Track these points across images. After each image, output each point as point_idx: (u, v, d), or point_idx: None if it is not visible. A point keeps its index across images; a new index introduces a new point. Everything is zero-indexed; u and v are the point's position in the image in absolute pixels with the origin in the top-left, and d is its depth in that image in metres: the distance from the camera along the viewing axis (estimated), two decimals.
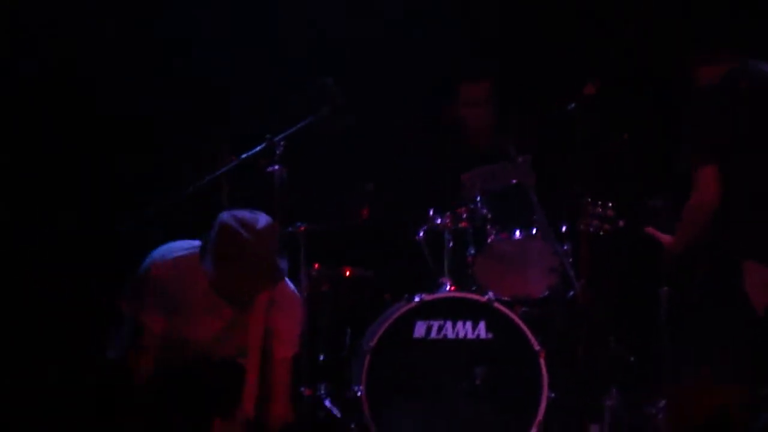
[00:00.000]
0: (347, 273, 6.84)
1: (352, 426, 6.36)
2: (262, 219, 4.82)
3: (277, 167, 6.06)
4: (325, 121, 6.05)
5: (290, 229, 6.39)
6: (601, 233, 6.07)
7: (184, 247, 4.97)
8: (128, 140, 6.94)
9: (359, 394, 6.24)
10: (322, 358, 6.72)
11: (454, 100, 7.15)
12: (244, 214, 4.83)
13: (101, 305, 6.31)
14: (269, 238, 4.80)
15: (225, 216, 4.82)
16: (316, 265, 6.72)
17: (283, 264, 4.90)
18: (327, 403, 6.53)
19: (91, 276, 6.63)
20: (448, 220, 6.63)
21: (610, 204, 6.06)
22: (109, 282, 6.33)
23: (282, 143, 6.08)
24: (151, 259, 4.94)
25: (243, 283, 4.80)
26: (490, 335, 6.39)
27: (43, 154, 6.78)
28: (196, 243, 4.95)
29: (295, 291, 5.20)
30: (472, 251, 6.67)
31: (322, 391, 6.56)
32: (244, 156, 6.03)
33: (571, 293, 6.58)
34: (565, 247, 6.60)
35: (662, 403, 6.27)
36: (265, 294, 4.95)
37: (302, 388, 6.34)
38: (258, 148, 6.05)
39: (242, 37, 7.22)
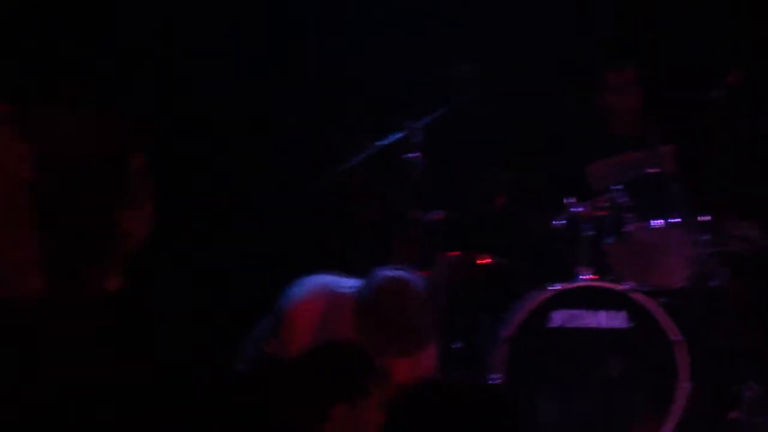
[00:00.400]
0: (483, 261, 6.80)
1: None
2: (420, 284, 4.76)
3: (415, 155, 6.05)
4: (463, 108, 6.03)
5: (427, 217, 6.37)
6: (743, 253, 6.01)
7: (337, 284, 4.92)
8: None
9: (496, 383, 6.21)
10: (456, 345, 6.69)
11: (599, 86, 7.04)
12: (406, 277, 4.75)
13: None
14: (425, 306, 4.74)
15: (382, 275, 4.75)
16: (453, 253, 6.69)
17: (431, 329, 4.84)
18: None
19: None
20: (586, 209, 6.55)
21: (752, 223, 6.00)
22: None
23: (420, 131, 6.07)
24: (298, 293, 4.89)
25: (388, 346, 4.73)
26: (627, 325, 6.31)
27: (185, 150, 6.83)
28: (342, 282, 4.91)
29: None
30: (610, 240, 6.57)
31: None
32: (381, 143, 6.04)
33: (713, 283, 6.45)
34: (707, 237, 6.48)
35: None
36: None
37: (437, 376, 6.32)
38: (396, 136, 6.05)
39: (378, 24, 7.20)
